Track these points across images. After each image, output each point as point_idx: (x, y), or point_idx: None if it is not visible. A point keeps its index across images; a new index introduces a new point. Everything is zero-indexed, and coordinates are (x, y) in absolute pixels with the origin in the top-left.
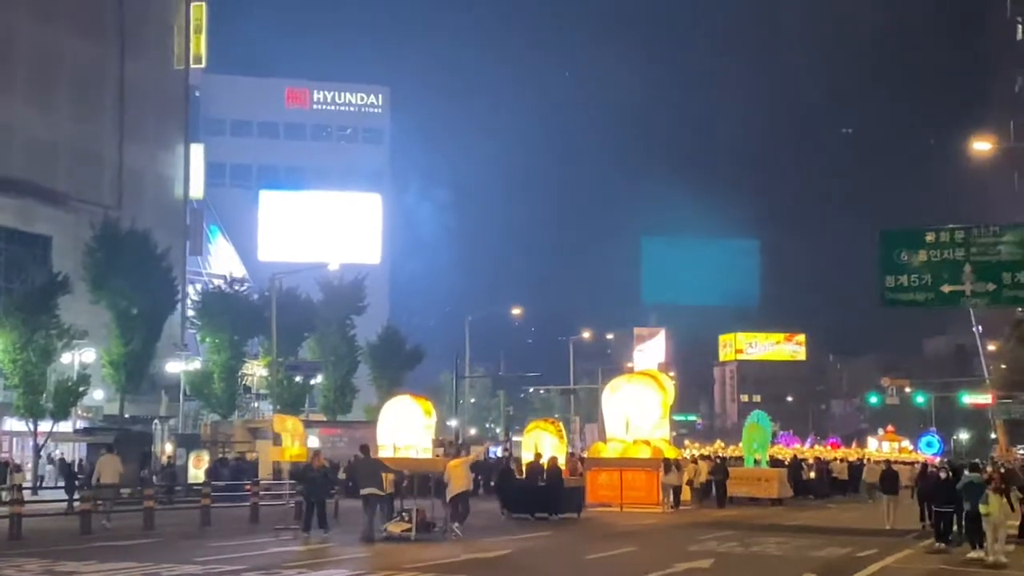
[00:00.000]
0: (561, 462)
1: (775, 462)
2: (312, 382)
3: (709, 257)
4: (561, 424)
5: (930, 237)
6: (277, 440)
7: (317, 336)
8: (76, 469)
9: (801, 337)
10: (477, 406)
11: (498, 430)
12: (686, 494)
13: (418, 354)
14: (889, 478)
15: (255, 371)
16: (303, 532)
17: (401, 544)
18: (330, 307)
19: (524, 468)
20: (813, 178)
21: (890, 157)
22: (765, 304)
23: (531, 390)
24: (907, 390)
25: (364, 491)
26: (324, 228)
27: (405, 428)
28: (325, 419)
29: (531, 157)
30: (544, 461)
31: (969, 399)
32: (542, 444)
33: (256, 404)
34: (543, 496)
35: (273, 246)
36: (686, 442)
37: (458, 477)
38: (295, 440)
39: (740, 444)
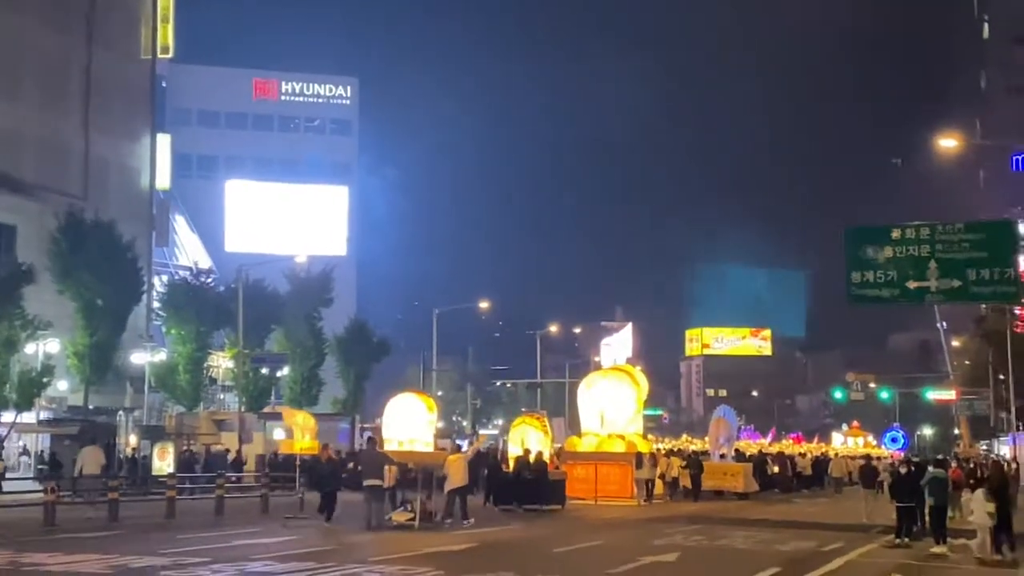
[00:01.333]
0: (546, 456)
1: (740, 456)
2: (278, 374)
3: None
4: (546, 419)
5: (895, 234)
6: (288, 434)
7: (284, 328)
8: (46, 459)
9: (767, 332)
10: (444, 400)
11: (465, 424)
12: (659, 488)
13: (385, 347)
14: (868, 473)
15: (221, 363)
16: (325, 522)
17: (403, 533)
18: (297, 299)
19: (513, 462)
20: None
21: (857, 156)
22: (732, 300)
23: (498, 384)
24: (872, 386)
25: (367, 482)
26: (291, 219)
27: (409, 423)
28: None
29: (501, 151)
30: (532, 456)
31: (933, 395)
32: (528, 439)
33: (221, 396)
34: (530, 489)
35: (240, 237)
36: (650, 436)
37: (456, 471)
38: (305, 433)
39: (706, 438)
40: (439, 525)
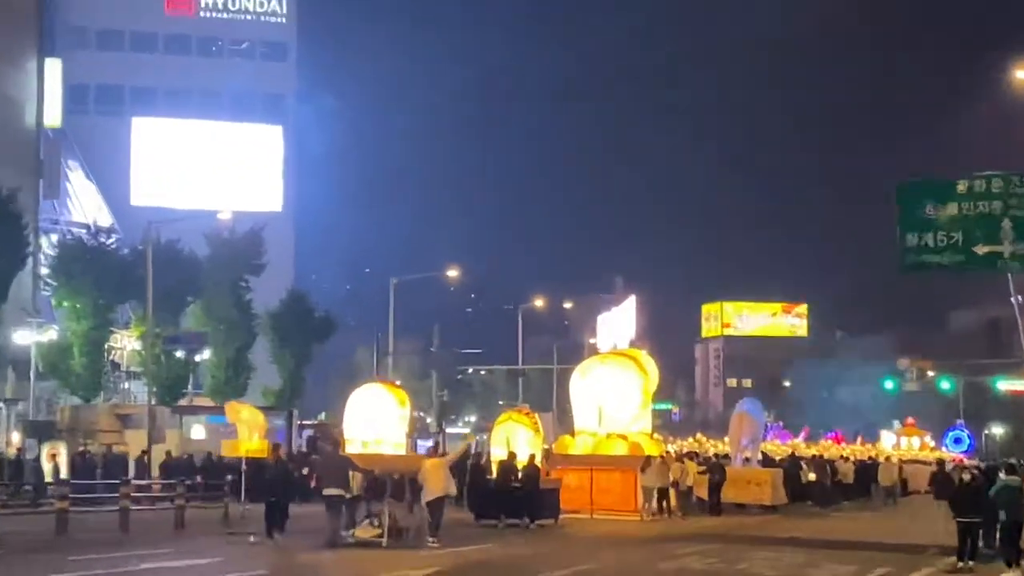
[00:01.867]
0: (538, 460)
1: (768, 461)
2: (197, 358)
3: None
4: (537, 416)
5: (962, 187)
6: (232, 433)
7: (204, 301)
8: None
9: (803, 308)
10: (403, 391)
11: (429, 420)
12: (672, 499)
13: (330, 324)
14: (943, 482)
15: (125, 344)
16: (267, 537)
17: (367, 552)
18: (220, 265)
19: (496, 467)
20: (825, 113)
21: (913, 98)
22: (759, 267)
23: (470, 371)
24: (930, 374)
25: (327, 491)
26: (213, 167)
27: (376, 420)
28: (213, 404)
29: (475, 83)
30: (523, 460)
31: (1006, 386)
32: (515, 439)
33: (126, 385)
34: (517, 500)
35: (149, 188)
36: (657, 436)
37: (435, 479)
38: (253, 432)
39: (726, 439)
40: (415, 543)
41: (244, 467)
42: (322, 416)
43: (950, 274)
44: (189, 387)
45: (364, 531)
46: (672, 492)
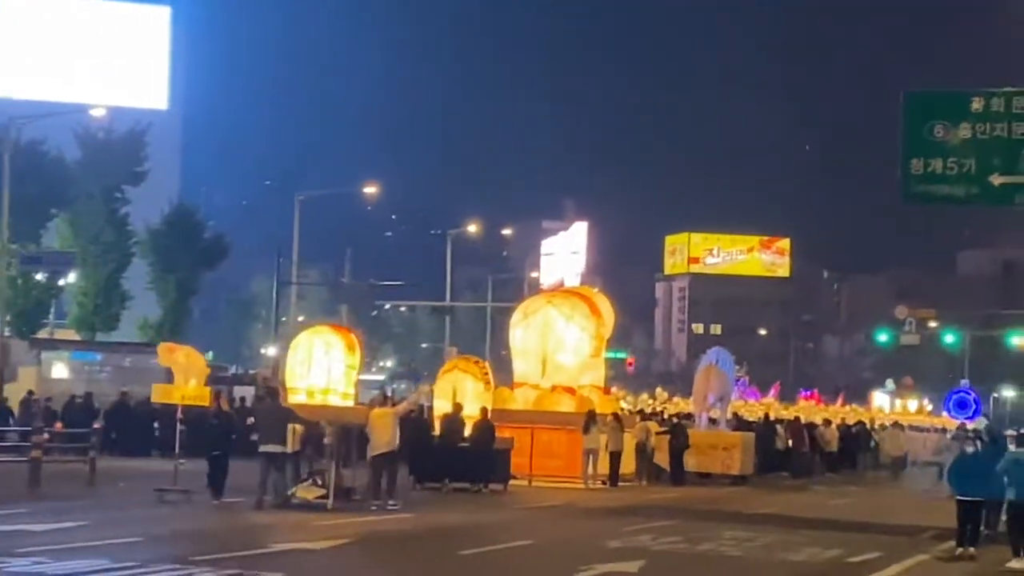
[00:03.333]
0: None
1: (740, 423)
2: (61, 282)
3: None
4: (488, 365)
5: (976, 104)
6: (167, 377)
7: (71, 214)
8: None
9: (785, 243)
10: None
11: None
12: (628, 466)
13: (222, 247)
14: None
15: None
16: (212, 499)
17: (311, 514)
18: (92, 171)
19: (440, 423)
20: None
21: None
22: (735, 194)
23: (387, 306)
24: (932, 325)
25: (264, 448)
26: (85, 54)
27: (322, 368)
28: (79, 338)
29: None
30: (472, 414)
31: (1021, 340)
32: (462, 390)
33: None
34: (465, 461)
35: (6, 78)
36: (616, 391)
37: (382, 430)
38: (190, 378)
39: (691, 396)
40: (361, 505)
41: (180, 416)
42: (209, 356)
43: (960, 207)
44: (51, 316)
45: (307, 491)
46: (629, 456)
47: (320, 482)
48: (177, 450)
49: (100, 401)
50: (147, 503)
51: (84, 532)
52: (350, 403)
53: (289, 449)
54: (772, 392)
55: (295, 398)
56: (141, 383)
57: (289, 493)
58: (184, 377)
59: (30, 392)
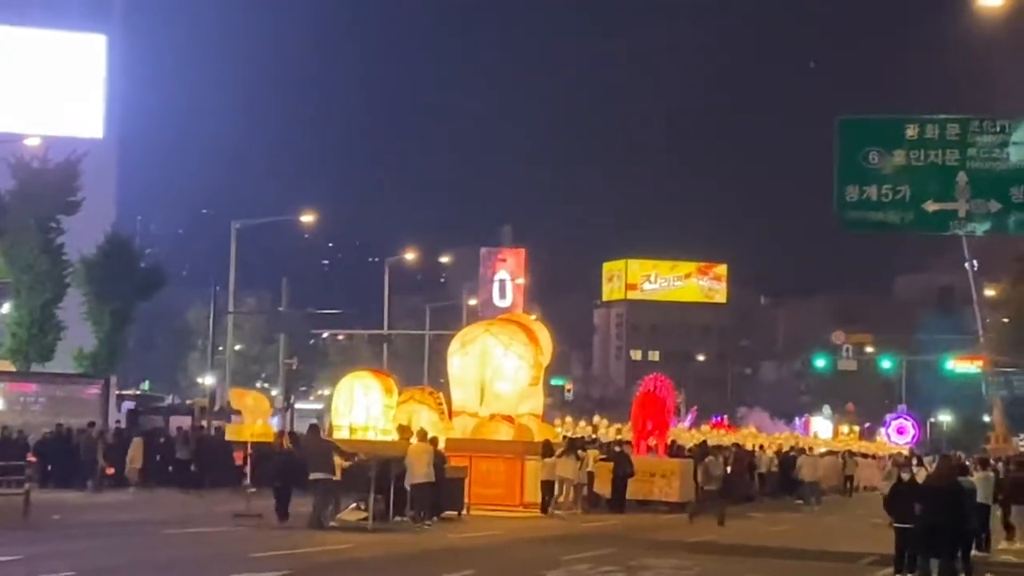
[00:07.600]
0: (442, 446)
1: (677, 451)
2: None
3: None
4: (441, 396)
5: (911, 131)
6: (236, 418)
7: (5, 244)
8: None
9: (722, 269)
10: (245, 357)
11: (275, 392)
12: (570, 493)
13: (158, 277)
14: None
15: None
16: (279, 522)
17: (353, 534)
18: (26, 201)
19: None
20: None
21: (863, 28)
22: (672, 220)
23: (325, 335)
24: (869, 350)
25: (313, 476)
26: (19, 83)
27: (363, 408)
28: (14, 369)
29: (346, 5)
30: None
31: (956, 364)
32: (418, 422)
33: None
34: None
35: None
36: (560, 420)
37: (419, 463)
38: (257, 418)
39: (629, 423)
40: (404, 526)
41: (250, 451)
42: (146, 385)
43: (894, 232)
44: None
45: (350, 514)
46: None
47: (363, 507)
48: (249, 480)
49: (35, 432)
50: (81, 535)
51: (17, 567)
52: (388, 438)
53: (335, 477)
54: (688, 419)
55: (338, 434)
56: (76, 415)
57: (335, 517)
58: (252, 417)
59: None
